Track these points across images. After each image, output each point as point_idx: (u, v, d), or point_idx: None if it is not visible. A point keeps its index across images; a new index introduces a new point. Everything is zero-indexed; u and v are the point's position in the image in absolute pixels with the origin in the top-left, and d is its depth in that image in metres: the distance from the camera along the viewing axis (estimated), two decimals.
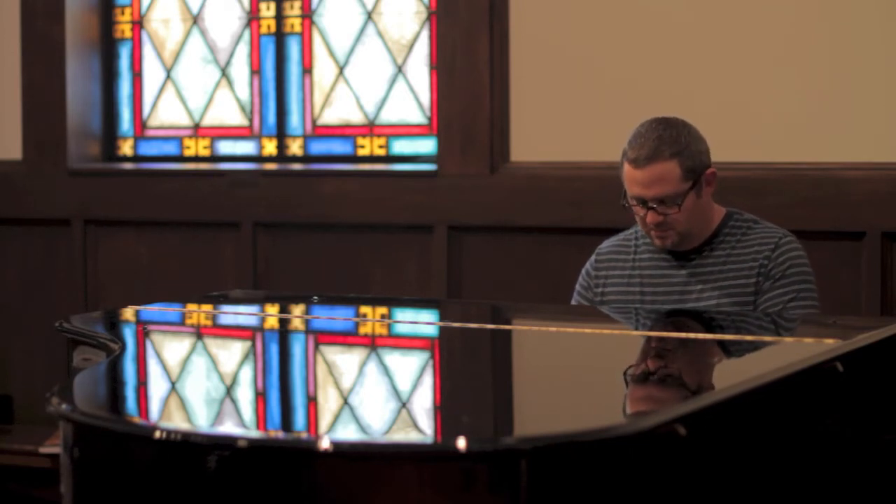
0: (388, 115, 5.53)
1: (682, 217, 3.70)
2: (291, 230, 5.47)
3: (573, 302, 3.97)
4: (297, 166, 5.61)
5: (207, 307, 4.03)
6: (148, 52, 5.87)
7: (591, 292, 3.90)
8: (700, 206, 3.74)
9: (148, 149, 5.89)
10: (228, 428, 2.60)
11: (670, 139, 3.69)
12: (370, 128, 5.56)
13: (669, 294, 3.78)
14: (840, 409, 3.04)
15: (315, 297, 4.09)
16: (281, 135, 5.68)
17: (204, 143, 5.81)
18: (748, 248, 3.76)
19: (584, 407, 2.72)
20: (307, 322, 3.75)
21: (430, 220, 5.25)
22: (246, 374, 3.16)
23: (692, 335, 3.44)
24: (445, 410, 2.75)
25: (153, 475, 2.46)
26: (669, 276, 3.79)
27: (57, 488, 2.69)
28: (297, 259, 5.46)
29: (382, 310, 4.06)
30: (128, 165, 5.85)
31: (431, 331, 3.67)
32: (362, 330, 3.74)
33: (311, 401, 2.85)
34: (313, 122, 5.64)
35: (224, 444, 2.40)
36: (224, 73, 5.75)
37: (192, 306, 4.06)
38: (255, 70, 5.70)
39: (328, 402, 2.83)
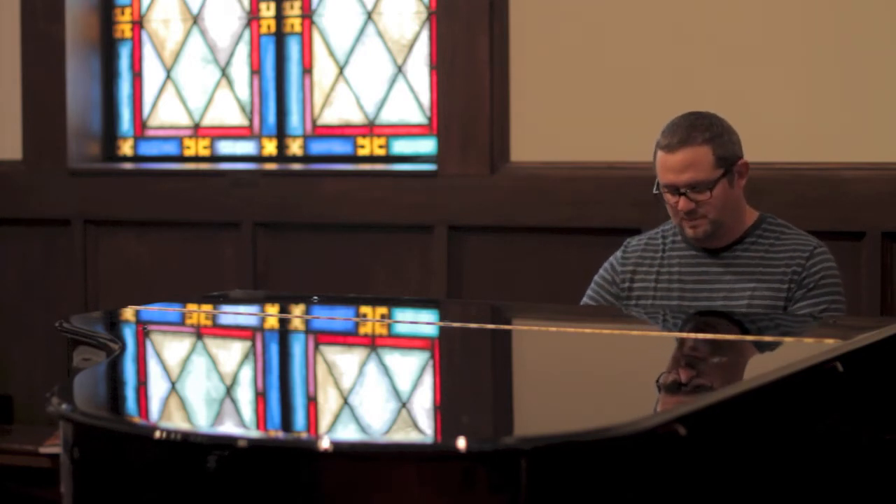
0: (388, 115, 5.53)
1: (714, 205, 3.71)
2: (291, 230, 5.47)
3: (588, 293, 3.96)
4: (297, 166, 5.61)
5: (207, 307, 4.03)
6: (148, 52, 5.87)
7: (615, 287, 3.88)
8: (733, 198, 3.75)
9: (148, 149, 5.89)
10: (228, 428, 2.60)
11: (703, 126, 3.73)
12: (370, 128, 5.56)
13: (698, 292, 3.78)
14: (840, 409, 3.04)
15: (315, 297, 4.09)
16: (281, 135, 5.68)
17: (204, 143, 5.81)
18: (782, 252, 3.76)
19: (584, 407, 2.72)
20: (307, 322, 3.75)
21: (430, 220, 5.25)
22: (246, 374, 3.16)
23: (692, 335, 3.44)
24: (445, 410, 2.75)
25: (153, 475, 2.46)
26: (700, 272, 3.80)
27: (57, 488, 2.69)
28: (297, 259, 5.46)
29: (382, 310, 4.06)
30: (128, 165, 5.85)
31: (431, 331, 3.67)
32: (362, 330, 3.74)
33: (311, 401, 2.86)
34: (313, 122, 5.64)
35: (224, 444, 2.40)
36: (224, 73, 5.75)
37: (192, 306, 4.06)
38: (255, 70, 5.71)
39: (328, 402, 2.83)
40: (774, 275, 3.74)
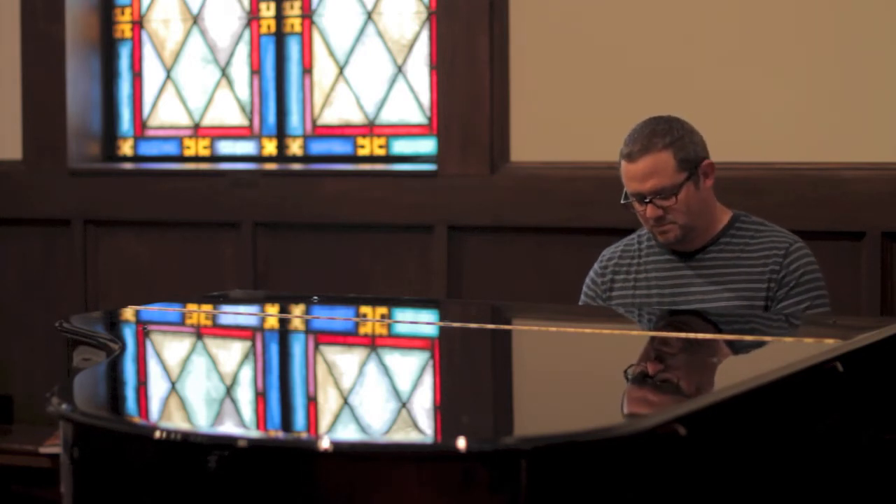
0: (388, 115, 5.53)
1: (681, 209, 3.70)
2: (291, 230, 5.47)
3: None
4: (297, 166, 5.61)
5: (207, 307, 4.03)
6: (148, 52, 5.87)
7: (598, 300, 3.88)
8: (700, 200, 3.73)
9: (148, 149, 5.89)
10: (228, 428, 2.60)
11: (662, 132, 3.71)
12: (370, 128, 5.56)
13: (676, 295, 3.77)
14: (840, 409, 3.04)
15: (315, 297, 4.09)
16: (281, 135, 5.69)
17: (204, 143, 5.81)
18: (758, 251, 3.75)
19: (584, 407, 2.72)
20: (307, 322, 3.75)
21: (430, 220, 5.25)
22: (246, 374, 3.16)
23: (692, 335, 3.44)
24: (445, 410, 2.75)
25: (153, 475, 2.46)
26: (676, 276, 3.79)
27: (57, 488, 2.69)
28: (297, 259, 5.46)
29: (382, 310, 4.06)
30: (128, 165, 5.85)
31: (431, 331, 3.67)
32: (362, 330, 3.74)
33: (311, 401, 2.86)
34: (313, 122, 5.64)
35: (224, 444, 2.40)
36: (224, 73, 5.75)
37: (192, 306, 4.06)
38: (255, 70, 5.71)
39: (328, 402, 2.83)
40: (751, 275, 3.73)
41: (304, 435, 2.54)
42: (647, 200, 3.70)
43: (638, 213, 3.75)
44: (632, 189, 3.72)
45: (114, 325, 3.64)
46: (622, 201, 3.76)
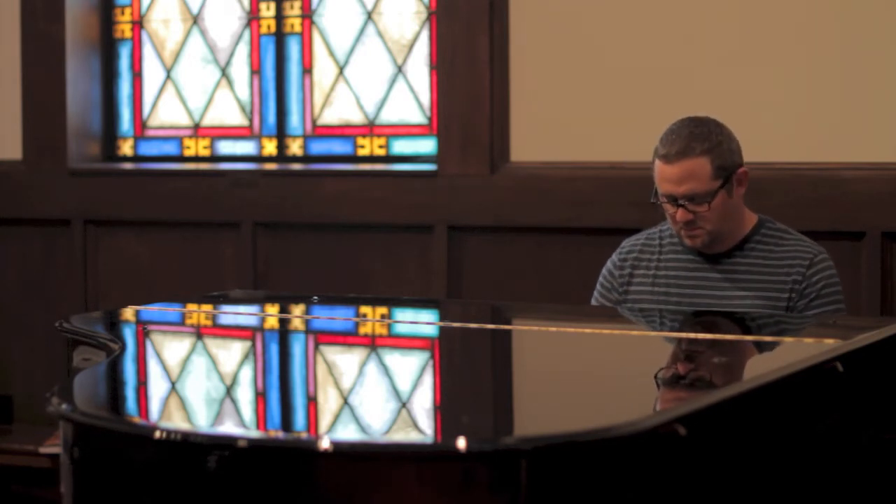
0: (388, 115, 5.53)
1: (713, 216, 3.69)
2: (291, 230, 5.47)
3: (592, 302, 3.95)
4: (297, 166, 5.61)
5: (207, 307, 4.03)
6: (148, 52, 5.87)
7: (615, 293, 3.87)
8: (731, 207, 3.72)
9: (148, 149, 5.89)
10: (228, 428, 2.60)
11: (702, 136, 3.68)
12: (370, 128, 5.56)
13: (696, 296, 3.76)
14: (840, 409, 3.04)
15: (315, 297, 4.09)
16: (281, 135, 5.68)
17: (204, 143, 5.81)
18: (782, 259, 3.74)
19: (584, 407, 2.72)
20: (307, 322, 3.75)
21: (430, 220, 5.25)
22: (246, 374, 3.16)
23: (692, 335, 3.44)
24: (445, 410, 2.75)
25: (153, 475, 2.46)
26: (697, 277, 3.78)
27: (57, 488, 2.69)
28: (297, 259, 5.46)
29: (382, 310, 4.06)
30: (128, 165, 5.85)
31: (431, 331, 3.67)
32: (362, 330, 3.74)
33: (311, 401, 2.86)
34: (313, 122, 5.64)
35: (224, 444, 2.40)
36: (224, 73, 5.75)
37: (192, 306, 4.06)
38: (255, 70, 5.70)
39: (328, 402, 2.83)
40: (774, 283, 3.72)
41: (304, 435, 2.55)
42: (680, 204, 3.68)
43: (668, 214, 3.73)
44: (665, 190, 3.70)
45: (114, 325, 3.64)
46: (651, 200, 3.74)
